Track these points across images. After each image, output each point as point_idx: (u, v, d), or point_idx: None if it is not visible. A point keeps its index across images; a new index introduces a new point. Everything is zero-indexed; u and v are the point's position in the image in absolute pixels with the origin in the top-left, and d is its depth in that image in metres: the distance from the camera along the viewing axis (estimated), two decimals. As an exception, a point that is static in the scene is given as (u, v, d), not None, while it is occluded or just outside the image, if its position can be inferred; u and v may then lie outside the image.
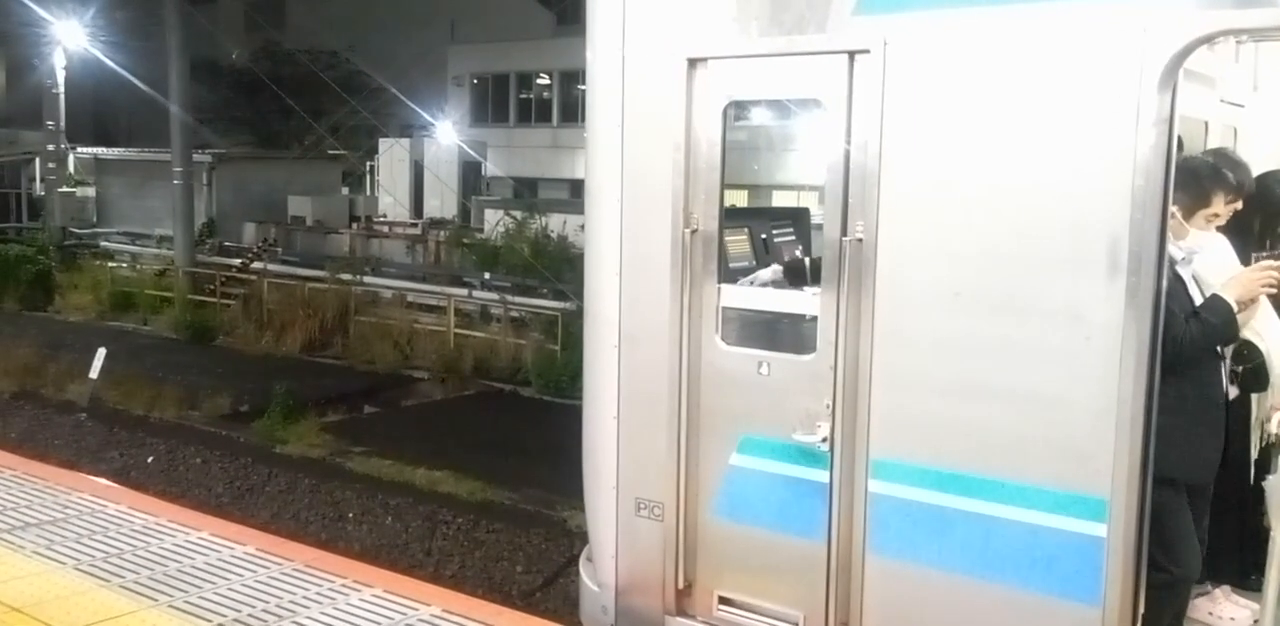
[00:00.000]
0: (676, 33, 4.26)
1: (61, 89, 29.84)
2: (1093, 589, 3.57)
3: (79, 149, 35.91)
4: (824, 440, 4.00)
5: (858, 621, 4.02)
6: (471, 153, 33.08)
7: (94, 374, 14.79)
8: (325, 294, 20.68)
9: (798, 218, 5.56)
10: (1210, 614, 4.37)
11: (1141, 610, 3.66)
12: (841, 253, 3.94)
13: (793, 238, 5.40)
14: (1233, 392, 4.22)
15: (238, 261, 25.52)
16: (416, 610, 4.71)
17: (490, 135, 37.04)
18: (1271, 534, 3.66)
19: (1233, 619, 4.35)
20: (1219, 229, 4.24)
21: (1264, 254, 4.29)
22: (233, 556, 5.28)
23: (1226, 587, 4.44)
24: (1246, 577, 4.42)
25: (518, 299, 20.15)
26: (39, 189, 34.31)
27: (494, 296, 20.65)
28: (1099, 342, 3.50)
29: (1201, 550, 4.05)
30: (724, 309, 4.29)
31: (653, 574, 4.45)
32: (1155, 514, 3.64)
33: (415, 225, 30.56)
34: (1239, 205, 4.21)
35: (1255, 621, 4.35)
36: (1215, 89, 4.71)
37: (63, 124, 30.62)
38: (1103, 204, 3.48)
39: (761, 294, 4.53)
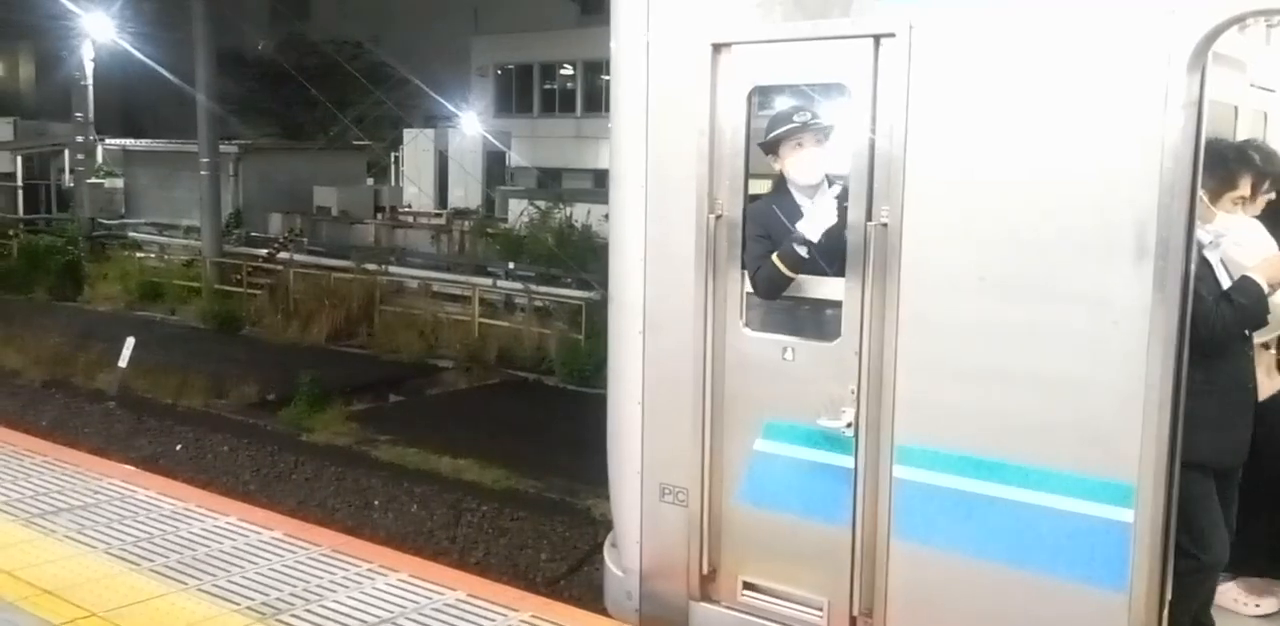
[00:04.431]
0: (701, 18, 4.24)
1: (90, 81, 30.00)
2: (1119, 575, 3.55)
3: (107, 140, 36.12)
4: (849, 425, 4.00)
5: (882, 607, 4.02)
6: (495, 143, 33.10)
7: (123, 363, 14.88)
8: (350, 284, 20.73)
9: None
10: (1235, 600, 4.34)
11: (1169, 596, 3.63)
12: (866, 237, 3.93)
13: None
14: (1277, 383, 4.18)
15: (264, 252, 25.65)
16: (442, 595, 4.72)
17: (514, 125, 37.06)
18: None
19: (1258, 605, 4.32)
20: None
21: None
22: (260, 541, 5.32)
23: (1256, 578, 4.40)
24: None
25: (542, 288, 20.14)
26: (68, 180, 34.51)
27: (518, 286, 20.66)
28: (1126, 327, 3.48)
29: (1230, 537, 4.01)
30: (748, 294, 4.28)
31: (677, 559, 4.45)
32: (1183, 499, 3.62)
33: (440, 215, 30.63)
34: (1272, 195, 4.16)
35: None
36: (1245, 72, 4.65)
37: (91, 115, 30.77)
38: (1130, 188, 3.45)
39: None
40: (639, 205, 4.45)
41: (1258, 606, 4.30)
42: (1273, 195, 4.19)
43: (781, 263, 4.12)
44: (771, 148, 4.32)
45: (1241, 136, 4.58)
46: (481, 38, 39.11)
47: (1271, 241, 4.20)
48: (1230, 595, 4.34)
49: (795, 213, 4.29)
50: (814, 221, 4.15)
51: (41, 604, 4.58)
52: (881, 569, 4.00)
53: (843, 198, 4.13)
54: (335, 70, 27.35)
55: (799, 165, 4.26)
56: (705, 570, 4.42)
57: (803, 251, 4.11)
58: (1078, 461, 3.61)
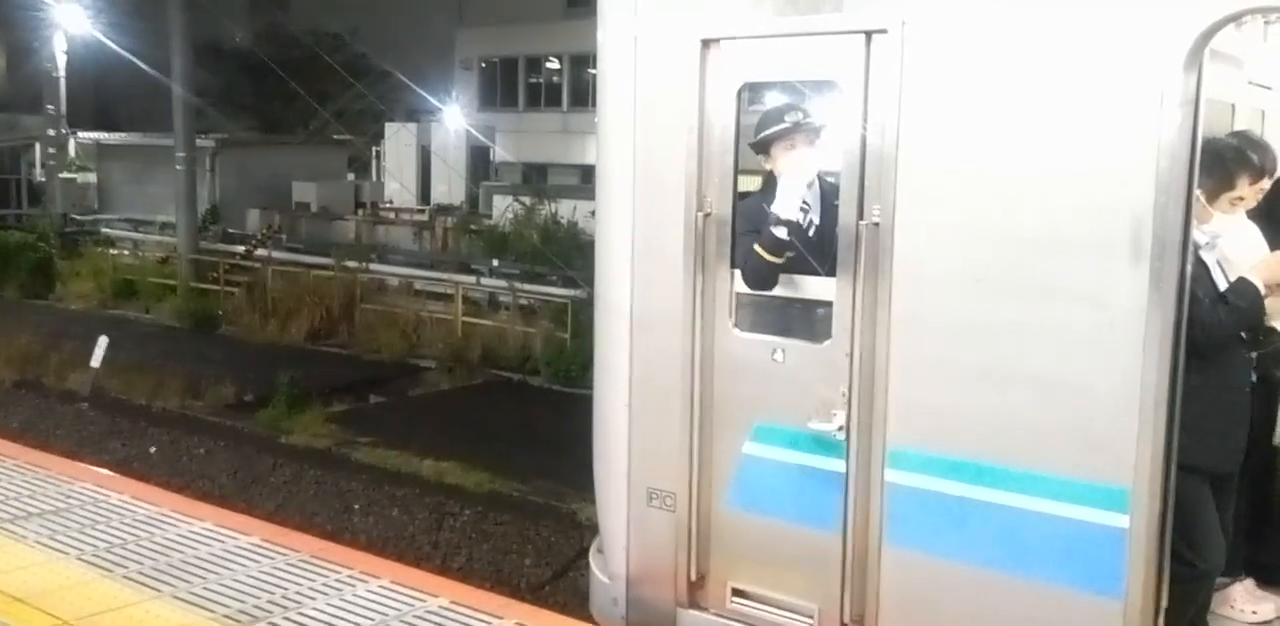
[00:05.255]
0: (690, 13, 4.18)
1: (62, 72, 29.68)
2: (1114, 581, 3.51)
3: (80, 134, 35.75)
4: (840, 428, 3.94)
5: (874, 614, 3.96)
6: (480, 138, 32.87)
7: (96, 362, 14.69)
8: (330, 281, 20.57)
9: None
10: (1233, 608, 4.30)
11: (1164, 603, 3.59)
12: (858, 236, 3.87)
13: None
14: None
15: (241, 248, 25.44)
16: (424, 601, 4.66)
17: (499, 120, 36.84)
18: None
19: (1255, 612, 4.28)
20: (1248, 213, 4.15)
21: None
22: (237, 547, 5.23)
23: (1250, 581, 4.36)
24: (1271, 570, 4.34)
25: (527, 286, 20.04)
26: (39, 175, 34.20)
27: (502, 284, 20.54)
28: (1122, 329, 3.44)
29: (1226, 541, 3.97)
30: (738, 294, 4.21)
31: (664, 565, 4.39)
32: (1179, 504, 3.58)
33: (422, 211, 30.42)
34: (1264, 186, 4.12)
35: (1281, 614, 4.28)
36: (1243, 70, 4.62)
37: (63, 108, 30.47)
38: (1126, 187, 3.42)
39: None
40: (626, 203, 4.38)
41: (1254, 613, 4.26)
42: (1264, 186, 4.14)
43: (763, 249, 4.07)
44: (762, 147, 4.25)
45: (1237, 134, 4.53)
46: (466, 30, 38.93)
47: (1262, 241, 4.16)
48: (1228, 602, 4.29)
49: None
50: (785, 201, 4.09)
51: (12, 612, 4.49)
52: (873, 575, 3.95)
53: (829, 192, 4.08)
54: (315, 63, 27.12)
55: (791, 165, 4.19)
56: (693, 576, 4.35)
57: (780, 233, 4.05)
58: (1072, 465, 3.56)
